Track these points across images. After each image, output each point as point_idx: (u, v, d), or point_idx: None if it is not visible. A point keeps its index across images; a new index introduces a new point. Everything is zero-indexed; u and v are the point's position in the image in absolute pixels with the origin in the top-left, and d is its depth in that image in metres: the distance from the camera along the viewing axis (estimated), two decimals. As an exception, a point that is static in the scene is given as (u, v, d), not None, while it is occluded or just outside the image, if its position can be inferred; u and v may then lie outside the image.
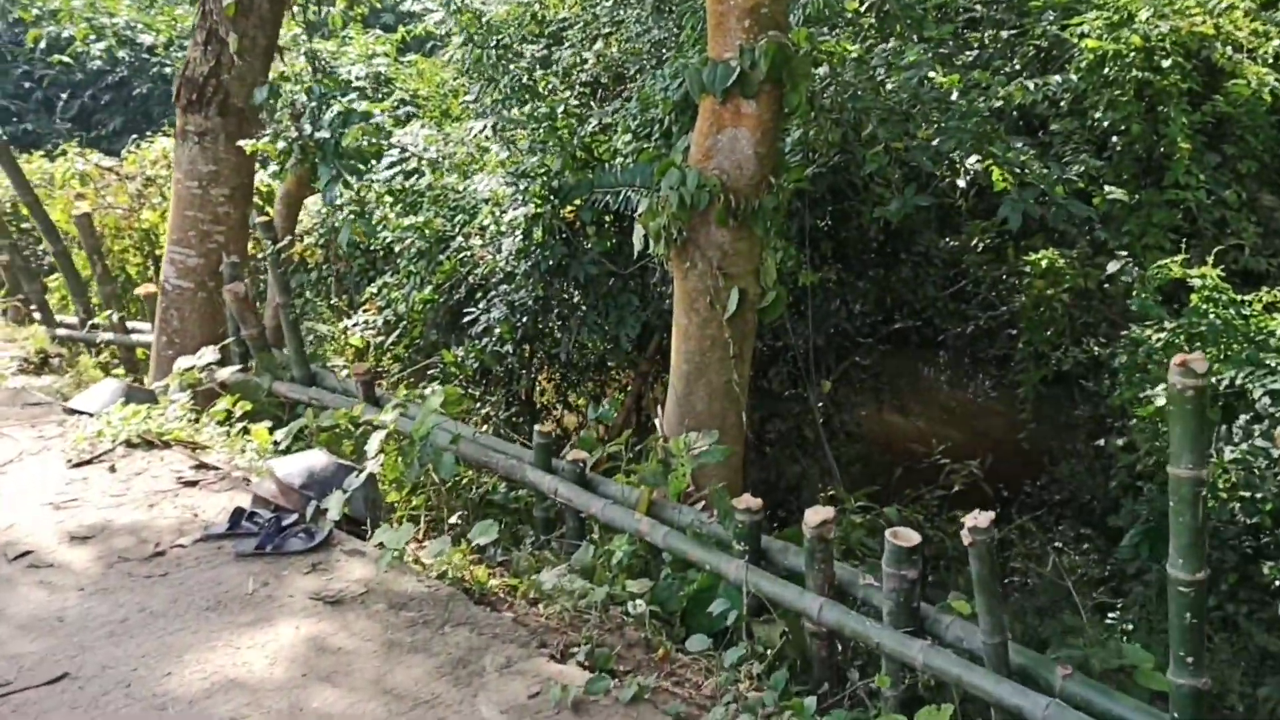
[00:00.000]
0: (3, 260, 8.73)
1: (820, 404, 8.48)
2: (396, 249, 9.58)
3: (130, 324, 8.33)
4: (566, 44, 10.59)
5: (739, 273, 5.42)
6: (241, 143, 6.66)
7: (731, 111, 5.19)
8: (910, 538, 3.66)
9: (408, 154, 10.64)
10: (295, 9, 7.90)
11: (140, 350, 8.18)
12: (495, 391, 8.24)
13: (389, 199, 10.32)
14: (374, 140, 6.28)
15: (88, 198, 10.67)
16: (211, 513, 4.46)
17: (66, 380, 6.83)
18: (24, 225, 10.14)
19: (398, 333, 8.92)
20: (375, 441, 5.15)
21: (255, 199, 7.99)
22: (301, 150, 6.34)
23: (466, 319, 8.05)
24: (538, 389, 9.17)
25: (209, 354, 6.59)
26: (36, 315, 8.82)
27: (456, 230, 9.32)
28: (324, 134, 6.25)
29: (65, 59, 22.62)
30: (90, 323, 8.05)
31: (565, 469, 5.03)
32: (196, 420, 6.00)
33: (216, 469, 4.91)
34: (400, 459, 5.27)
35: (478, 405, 8.08)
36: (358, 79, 17.82)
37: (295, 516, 4.29)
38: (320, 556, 4.05)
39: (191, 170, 7.16)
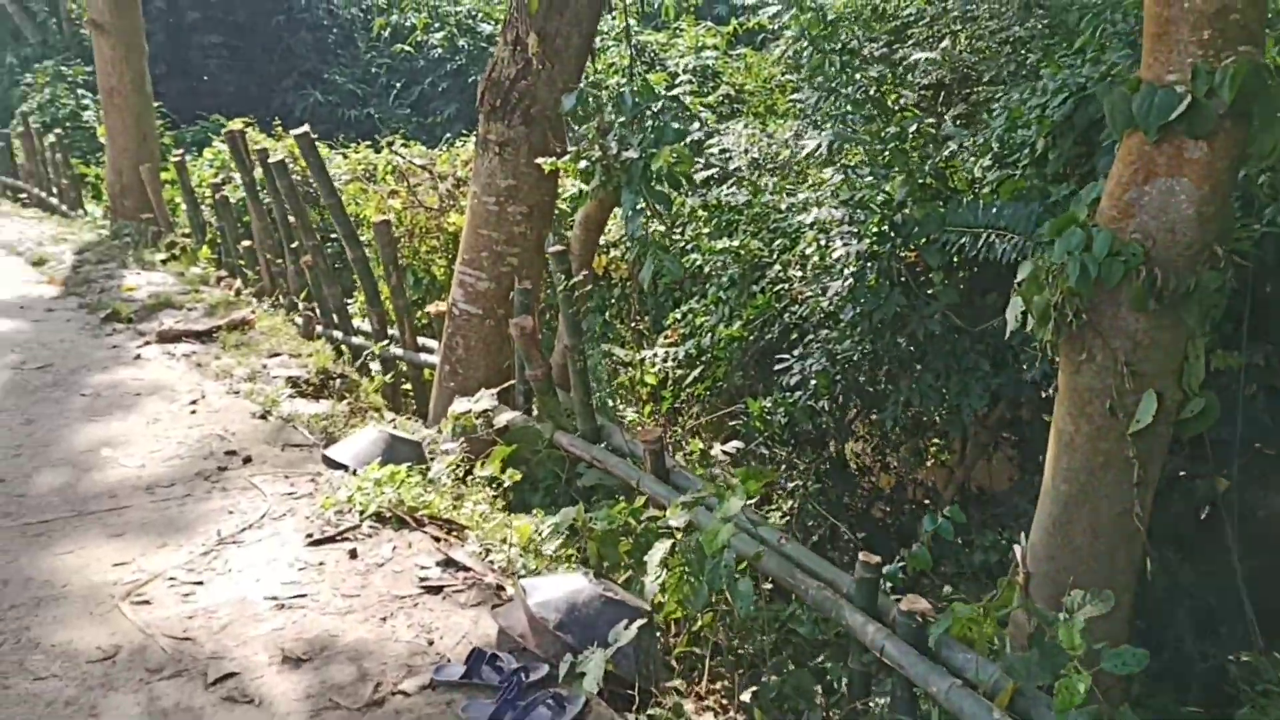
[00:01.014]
0: (306, 260, 8.42)
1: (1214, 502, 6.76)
2: (706, 269, 8.62)
3: (423, 340, 7.79)
4: (910, 41, 9.28)
5: (1154, 372, 4.00)
6: (540, 160, 5.83)
7: (1169, 155, 3.78)
8: None
9: (726, 155, 9.69)
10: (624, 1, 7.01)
11: (428, 371, 7.62)
12: (804, 453, 7.08)
13: (702, 213, 9.38)
14: (688, 159, 5.23)
15: (400, 195, 10.37)
16: (450, 640, 3.58)
17: (343, 409, 6.28)
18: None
19: (699, 370, 7.93)
20: (658, 555, 4.14)
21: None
22: (605, 171, 5.41)
23: (779, 366, 6.93)
24: (850, 442, 7.96)
25: (486, 399, 5.83)
26: (335, 319, 8.49)
27: (774, 257, 8.23)
28: (632, 154, 5.28)
29: (406, 47, 23.47)
30: (370, 344, 7.59)
31: (899, 620, 3.80)
32: (462, 479, 5.24)
33: (468, 570, 4.04)
34: (685, 570, 4.21)
35: (783, 470, 6.94)
36: (684, 71, 17.18)
37: (545, 671, 3.33)
38: (569, 743, 3.05)
39: (489, 184, 6.43)
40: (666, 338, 9.11)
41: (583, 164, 5.51)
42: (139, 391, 6.14)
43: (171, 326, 7.26)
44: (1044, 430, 7.25)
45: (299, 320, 8.13)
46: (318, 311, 8.65)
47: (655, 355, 8.29)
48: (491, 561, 4.18)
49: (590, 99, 5.93)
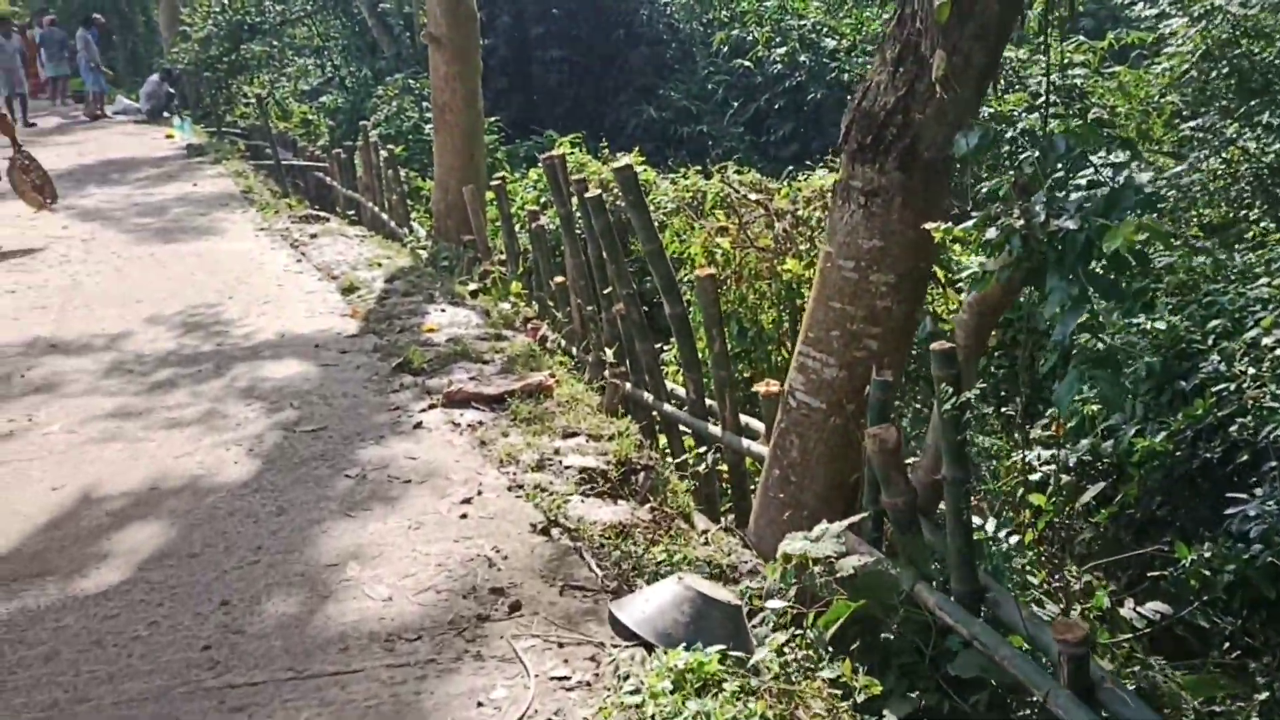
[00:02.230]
0: (619, 309, 7.28)
1: None
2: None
3: (746, 419, 6.42)
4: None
5: None
6: (929, 226, 4.31)
7: None
8: None
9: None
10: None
11: (751, 460, 6.25)
12: (1264, 631, 5.12)
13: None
14: (1162, 234, 3.55)
15: (731, 232, 9.10)
16: None
17: (644, 516, 5.00)
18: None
19: (1099, 486, 6.09)
20: None
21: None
22: (1024, 246, 3.80)
23: (1231, 509, 5.03)
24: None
25: (830, 540, 4.34)
26: (646, 380, 7.29)
27: (1209, 343, 6.26)
28: (1069, 223, 3.65)
29: (746, 63, 22.38)
30: (680, 412, 6.31)
31: None
32: (795, 660, 3.81)
33: None
34: None
35: (1231, 653, 5.02)
36: (1047, 91, 14.97)
37: None
38: None
39: (848, 244, 4.96)
40: (1044, 428, 7.29)
41: (992, 232, 3.92)
42: (409, 478, 5.12)
43: (461, 388, 6.27)
44: None
45: (603, 375, 6.99)
46: (628, 368, 7.50)
47: (1037, 458, 6.50)
48: None
49: (1000, 138, 4.33)
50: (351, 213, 15.21)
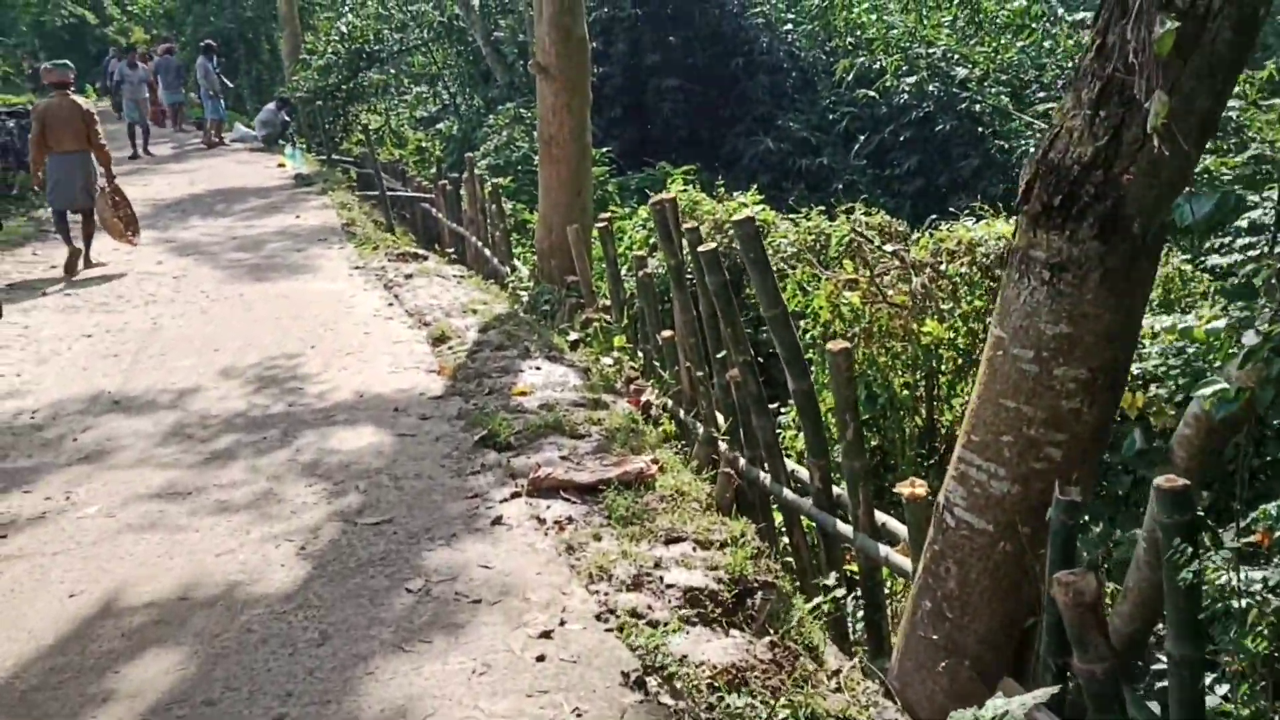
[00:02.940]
0: (733, 375, 6.35)
1: None
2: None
3: (883, 518, 5.42)
4: None
5: None
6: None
7: None
8: None
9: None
10: None
11: (888, 570, 5.25)
12: None
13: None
14: None
15: (861, 286, 8.08)
16: None
17: (762, 654, 4.06)
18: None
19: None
20: None
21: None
22: (1296, 357, 2.79)
23: None
24: None
25: (1017, 713, 3.34)
26: (763, 457, 6.34)
27: None
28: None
29: (871, 93, 21.27)
30: (804, 503, 5.31)
31: None
32: None
33: None
34: None
35: None
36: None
37: None
38: None
39: (1025, 328, 3.96)
40: (1242, 531, 6.11)
41: (1250, 337, 2.90)
42: (480, 595, 4.27)
43: (551, 473, 5.42)
44: None
45: (713, 454, 6.05)
46: (741, 441, 6.56)
47: (1245, 581, 5.34)
48: None
49: (1242, 207, 3.31)
50: (451, 250, 14.59)
